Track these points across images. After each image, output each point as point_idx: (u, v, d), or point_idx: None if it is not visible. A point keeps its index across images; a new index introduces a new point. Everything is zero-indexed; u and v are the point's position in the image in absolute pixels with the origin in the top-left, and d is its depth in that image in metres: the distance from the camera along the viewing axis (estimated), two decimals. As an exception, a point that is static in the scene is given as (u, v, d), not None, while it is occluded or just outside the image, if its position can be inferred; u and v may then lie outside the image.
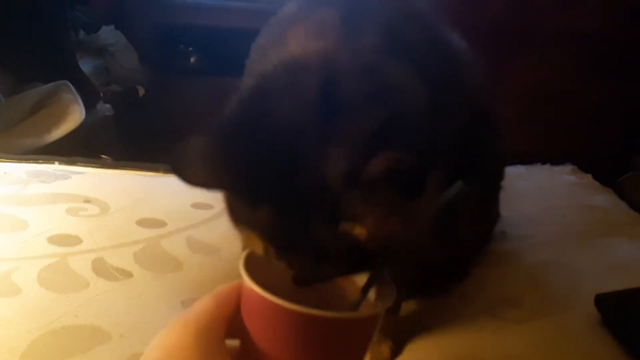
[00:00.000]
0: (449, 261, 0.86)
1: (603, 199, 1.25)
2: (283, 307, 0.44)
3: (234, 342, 0.49)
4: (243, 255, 0.50)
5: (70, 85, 2.12)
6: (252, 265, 0.48)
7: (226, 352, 0.47)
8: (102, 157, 1.75)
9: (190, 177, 0.50)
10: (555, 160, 1.40)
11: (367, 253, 0.48)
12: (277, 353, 0.47)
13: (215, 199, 0.77)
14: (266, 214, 0.48)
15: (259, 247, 0.51)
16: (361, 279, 0.50)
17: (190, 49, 2.85)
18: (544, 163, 1.40)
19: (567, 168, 1.38)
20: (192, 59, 2.84)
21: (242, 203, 0.50)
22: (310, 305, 0.43)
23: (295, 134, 0.48)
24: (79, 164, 1.28)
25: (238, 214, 0.52)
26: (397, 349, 0.78)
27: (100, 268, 0.90)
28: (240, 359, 0.48)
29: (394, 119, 0.48)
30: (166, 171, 1.23)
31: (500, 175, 0.91)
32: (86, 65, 2.55)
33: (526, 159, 1.35)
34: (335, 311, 0.44)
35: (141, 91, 2.76)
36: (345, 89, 0.50)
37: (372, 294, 0.49)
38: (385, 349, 0.77)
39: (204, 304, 0.47)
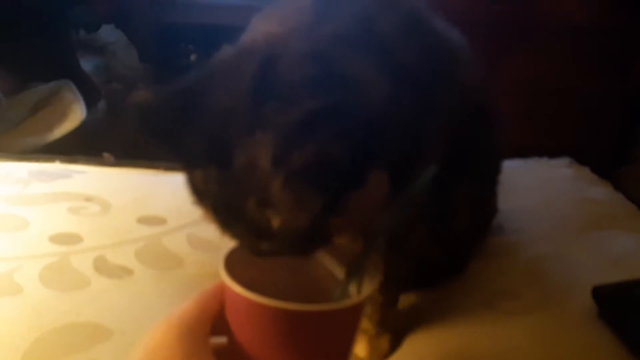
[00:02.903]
0: (447, 255, 0.86)
1: (600, 191, 1.25)
2: (262, 303, 0.44)
3: (221, 339, 0.49)
4: (225, 252, 0.51)
5: (72, 84, 2.13)
6: (237, 262, 0.49)
7: (210, 351, 0.47)
8: (104, 155, 1.76)
9: (130, 125, 0.53)
10: (553, 153, 1.39)
11: (305, 237, 0.49)
12: (262, 349, 0.47)
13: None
14: (201, 179, 0.51)
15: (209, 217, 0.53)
16: (342, 270, 0.51)
17: (191, 47, 2.85)
18: (541, 156, 1.39)
19: (564, 161, 1.38)
20: (192, 57, 2.84)
21: (183, 166, 0.53)
22: (293, 299, 0.44)
23: (228, 114, 0.49)
24: (80, 162, 1.28)
25: (188, 178, 0.53)
26: (396, 342, 0.78)
27: (102, 266, 0.90)
28: (226, 356, 0.49)
29: (331, 108, 0.47)
30: (167, 169, 1.23)
31: (497, 170, 0.91)
32: (87, 64, 2.55)
33: (523, 152, 1.34)
34: (316, 304, 0.44)
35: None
36: (283, 75, 0.50)
37: (355, 283, 0.50)
38: (384, 342, 0.77)
39: (187, 305, 0.48)
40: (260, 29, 0.60)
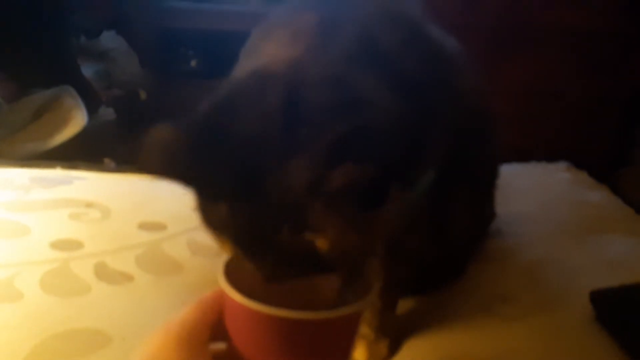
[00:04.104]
0: (445, 259, 0.87)
1: (598, 195, 1.25)
2: (261, 311, 0.44)
3: (220, 345, 0.50)
4: (225, 259, 0.51)
5: (73, 90, 2.13)
6: (236, 270, 0.49)
7: (209, 358, 0.47)
8: (105, 161, 1.76)
9: (149, 164, 0.50)
10: (552, 155, 1.39)
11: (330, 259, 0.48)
12: (260, 356, 0.47)
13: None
14: (226, 212, 0.49)
15: (229, 249, 0.51)
16: (341, 276, 0.51)
17: (191, 52, 2.85)
18: (539, 160, 1.39)
19: (562, 165, 1.38)
20: (192, 62, 2.85)
21: (203, 200, 0.51)
22: (292, 307, 0.44)
23: (258, 143, 0.48)
24: (81, 168, 1.29)
25: (205, 213, 0.51)
26: (395, 347, 0.79)
27: (102, 272, 0.91)
28: None
29: (356, 131, 0.48)
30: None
31: (494, 174, 0.91)
32: (88, 70, 2.56)
33: (523, 155, 1.34)
34: (314, 311, 0.45)
35: (143, 95, 2.76)
36: (309, 100, 0.50)
37: (353, 292, 0.50)
38: (383, 347, 0.78)
39: (187, 311, 0.48)
40: (272, 51, 0.60)
